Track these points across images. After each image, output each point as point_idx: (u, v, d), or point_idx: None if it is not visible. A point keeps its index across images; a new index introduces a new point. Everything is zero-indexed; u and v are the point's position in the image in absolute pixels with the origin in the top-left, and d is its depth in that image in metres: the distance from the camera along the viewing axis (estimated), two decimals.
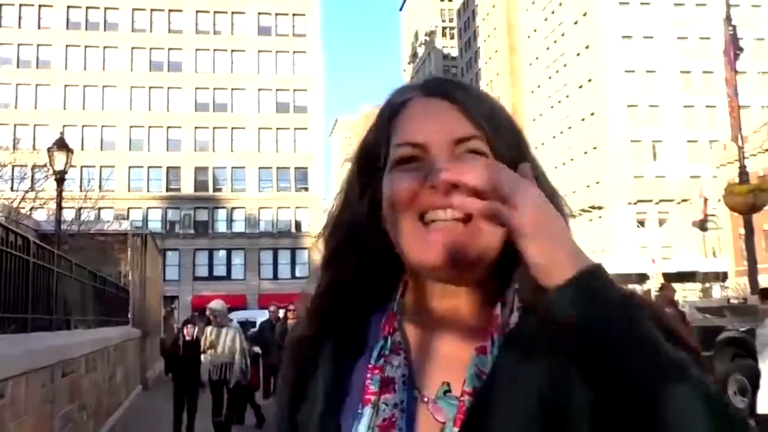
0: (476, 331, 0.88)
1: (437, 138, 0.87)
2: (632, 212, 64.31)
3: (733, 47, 19.98)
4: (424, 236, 0.85)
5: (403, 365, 0.91)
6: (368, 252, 0.96)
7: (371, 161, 0.95)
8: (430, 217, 0.85)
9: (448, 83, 0.94)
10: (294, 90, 62.99)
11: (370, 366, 0.92)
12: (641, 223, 64.53)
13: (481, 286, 0.90)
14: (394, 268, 0.96)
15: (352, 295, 0.98)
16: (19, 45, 60.91)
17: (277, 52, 63.64)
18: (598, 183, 66.56)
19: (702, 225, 45.91)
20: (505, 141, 0.91)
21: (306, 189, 62.01)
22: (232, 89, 62.53)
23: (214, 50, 63.27)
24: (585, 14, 69.71)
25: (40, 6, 61.75)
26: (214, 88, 62.45)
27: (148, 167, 61.18)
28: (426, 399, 0.87)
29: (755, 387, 9.81)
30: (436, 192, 0.83)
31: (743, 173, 19.04)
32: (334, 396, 0.93)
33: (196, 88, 62.44)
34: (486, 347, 0.87)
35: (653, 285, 41.40)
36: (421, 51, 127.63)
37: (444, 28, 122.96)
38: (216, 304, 10.89)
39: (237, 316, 17.08)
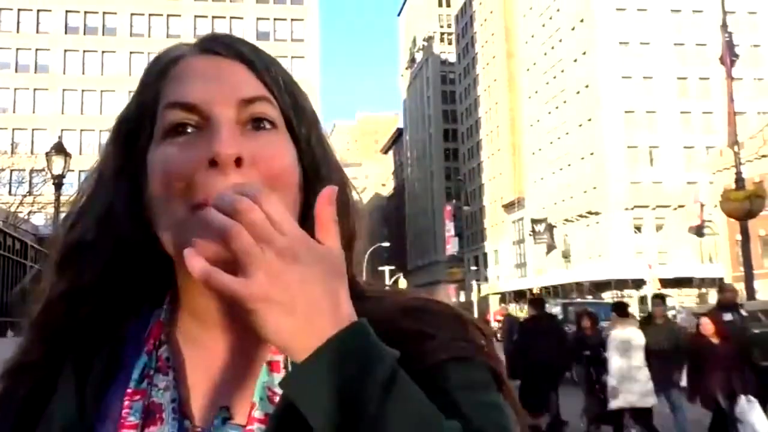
0: (265, 343, 0.70)
1: (217, 97, 0.70)
2: (629, 218, 64.40)
3: (730, 53, 20.07)
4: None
5: (171, 388, 0.72)
6: (123, 247, 0.75)
7: (133, 132, 0.76)
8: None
9: (227, 37, 0.77)
10: None
11: (129, 391, 0.72)
12: (638, 228, 64.61)
13: None
14: (158, 262, 0.74)
15: (97, 301, 0.76)
16: (17, 49, 61.01)
17: (275, 57, 63.67)
18: (595, 188, 66.66)
19: (698, 231, 46.06)
20: (302, 112, 0.77)
21: None
22: None
23: None
24: (582, 20, 69.92)
25: (38, 10, 61.86)
26: None
27: None
28: (199, 430, 0.70)
29: None
30: (219, 171, 0.66)
31: (740, 179, 19.09)
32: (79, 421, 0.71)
33: None
34: (279, 362, 0.71)
35: (649, 291, 41.50)
36: (419, 56, 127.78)
37: (442, 34, 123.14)
38: None
39: None
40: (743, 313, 9.36)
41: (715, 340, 8.42)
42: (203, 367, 0.73)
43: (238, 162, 0.66)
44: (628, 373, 8.58)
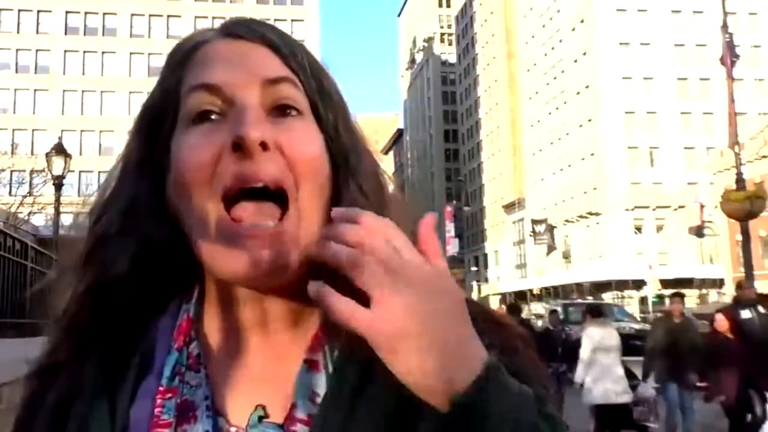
0: (299, 339, 0.70)
1: (241, 79, 0.68)
2: (629, 219, 64.36)
3: (730, 54, 20.03)
4: (234, 237, 0.65)
5: (204, 385, 0.69)
6: (148, 241, 0.72)
7: (156, 120, 0.73)
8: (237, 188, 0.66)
9: (251, 21, 0.75)
10: None
11: (161, 388, 0.69)
12: (638, 229, 64.57)
13: (297, 281, 0.67)
14: (184, 255, 0.72)
15: (124, 296, 0.72)
16: (17, 50, 61.02)
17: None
18: (595, 189, 66.63)
19: (698, 231, 46.02)
20: (329, 98, 0.73)
21: None
22: None
23: None
24: (582, 21, 69.90)
25: (38, 11, 61.87)
26: None
27: None
28: (234, 428, 0.68)
29: None
30: (244, 155, 0.64)
31: (740, 180, 19.05)
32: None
33: None
34: (318, 362, 0.68)
35: (650, 291, 41.50)
36: (419, 57, 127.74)
37: (442, 34, 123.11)
38: None
39: None
40: (761, 310, 9.27)
41: (730, 336, 8.38)
42: (235, 364, 0.71)
43: (264, 146, 0.64)
44: (607, 369, 8.64)
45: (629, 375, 9.28)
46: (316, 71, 0.73)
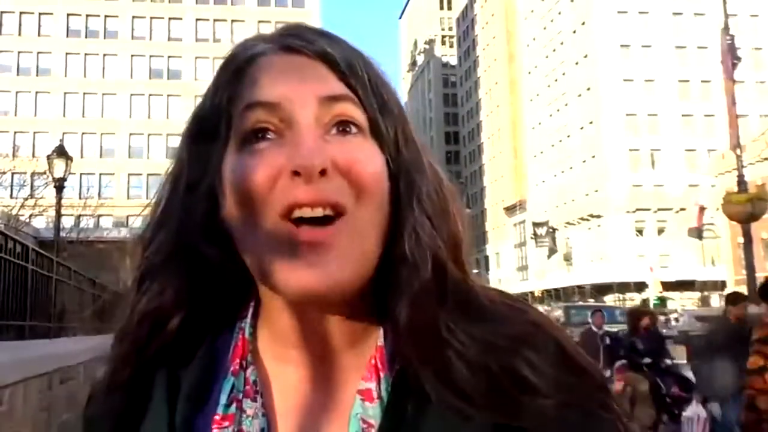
0: (356, 365, 0.68)
1: (299, 97, 0.65)
2: (630, 221, 64.33)
3: (731, 56, 20.02)
4: (293, 244, 0.63)
5: (260, 416, 0.67)
6: (202, 262, 0.71)
7: (209, 134, 0.69)
8: (296, 214, 0.63)
9: (308, 31, 0.71)
10: None
11: (217, 417, 0.67)
12: (639, 231, 64.54)
13: (355, 304, 0.67)
14: (238, 278, 0.71)
15: (182, 318, 0.71)
16: (19, 52, 61.09)
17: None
18: (596, 191, 66.61)
19: (698, 233, 45.96)
20: (390, 114, 0.70)
21: None
22: None
23: (214, 58, 63.30)
24: (583, 23, 69.92)
25: (40, 14, 61.94)
26: None
27: (148, 175, 61.16)
28: None
29: None
30: (304, 182, 0.63)
31: (742, 182, 19.03)
32: None
33: (196, 96, 61.11)
34: (371, 390, 0.66)
35: (651, 294, 41.47)
36: (420, 59, 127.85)
37: (443, 37, 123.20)
38: None
39: None
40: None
41: None
42: (290, 393, 0.69)
43: (323, 172, 0.63)
44: None
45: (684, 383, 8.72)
46: (377, 85, 0.69)
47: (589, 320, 11.16)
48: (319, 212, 0.63)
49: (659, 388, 8.87)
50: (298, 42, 0.69)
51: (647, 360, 9.06)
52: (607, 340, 9.97)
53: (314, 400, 0.68)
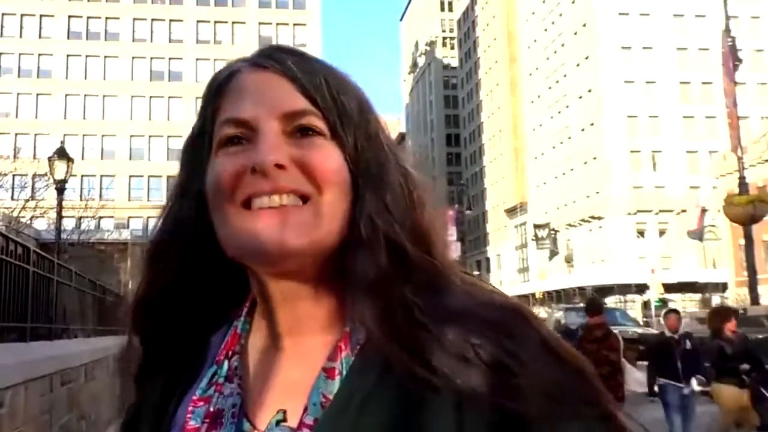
0: (326, 347, 0.75)
1: (263, 113, 0.75)
2: (632, 222, 64.30)
3: (732, 58, 20.04)
4: (248, 220, 0.72)
5: (235, 394, 0.76)
6: (198, 257, 0.81)
7: (198, 143, 0.82)
8: (256, 204, 0.73)
9: (280, 50, 0.80)
10: None
11: (194, 398, 0.78)
12: (641, 233, 64.51)
13: (326, 288, 0.76)
14: (240, 281, 0.82)
15: (176, 304, 0.82)
16: (20, 54, 61.12)
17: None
18: (597, 193, 66.58)
19: (698, 235, 45.90)
20: (348, 119, 0.78)
21: None
22: None
23: (215, 60, 63.36)
24: (585, 25, 69.91)
25: (41, 16, 61.98)
26: None
27: (149, 176, 61.22)
28: None
29: None
30: (262, 177, 0.72)
31: (743, 184, 19.04)
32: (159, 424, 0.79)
33: (197, 98, 62.13)
34: (334, 369, 0.72)
35: (652, 295, 41.41)
36: (421, 61, 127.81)
37: (444, 38, 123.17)
38: None
39: None
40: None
41: None
42: (267, 372, 0.77)
43: (280, 167, 0.72)
44: None
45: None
46: (337, 94, 0.77)
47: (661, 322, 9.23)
48: (276, 201, 0.72)
49: (765, 398, 7.91)
50: (268, 61, 0.78)
51: (745, 366, 7.90)
52: (687, 344, 8.25)
53: (285, 379, 0.76)
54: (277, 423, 0.72)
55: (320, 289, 0.76)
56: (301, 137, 0.75)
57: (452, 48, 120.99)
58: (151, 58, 63.00)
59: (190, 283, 0.81)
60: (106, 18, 63.22)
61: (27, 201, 25.85)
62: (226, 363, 0.79)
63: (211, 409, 0.76)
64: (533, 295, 62.44)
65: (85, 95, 61.42)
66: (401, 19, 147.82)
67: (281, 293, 0.76)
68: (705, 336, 9.11)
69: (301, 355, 0.76)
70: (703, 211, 46.63)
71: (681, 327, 8.74)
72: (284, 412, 0.73)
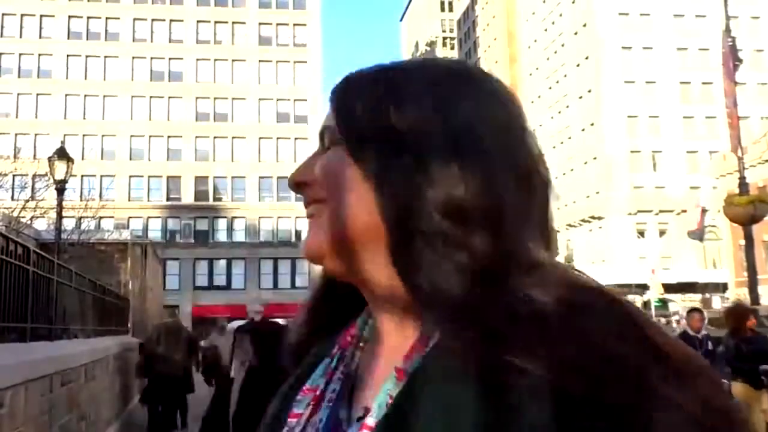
0: (402, 348, 0.73)
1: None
2: (632, 222, 64.30)
3: (733, 58, 20.02)
4: None
5: (337, 380, 0.80)
6: None
7: None
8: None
9: (339, 84, 0.82)
10: (294, 100, 63.12)
11: (305, 387, 0.81)
12: (641, 233, 64.51)
13: (396, 285, 0.71)
14: None
15: (344, 298, 0.86)
16: (20, 54, 61.10)
17: (277, 62, 63.82)
18: (597, 193, 66.60)
19: (698, 235, 45.86)
20: (362, 136, 0.76)
21: None
22: (233, 99, 62.68)
23: (215, 60, 63.43)
24: (585, 25, 69.93)
25: (41, 16, 61.97)
26: (215, 98, 62.58)
27: (149, 176, 61.24)
28: (344, 423, 0.76)
29: None
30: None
31: (743, 184, 19.02)
32: (278, 415, 0.83)
33: (197, 98, 62.56)
34: (404, 371, 0.71)
35: (653, 296, 41.40)
36: None
37: (444, 38, 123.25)
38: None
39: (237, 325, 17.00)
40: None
41: None
42: (366, 368, 0.79)
43: (302, 185, 0.80)
44: None
45: None
46: (362, 116, 0.76)
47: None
48: (307, 212, 0.80)
49: None
50: (334, 86, 0.83)
51: (765, 366, 7.74)
52: (709, 344, 8.18)
53: (375, 375, 0.76)
54: (358, 419, 0.73)
55: (390, 287, 0.72)
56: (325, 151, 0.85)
57: (452, 48, 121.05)
58: (151, 58, 62.97)
59: (330, 291, 0.88)
60: (107, 18, 63.20)
61: (27, 201, 25.81)
62: (337, 355, 0.82)
63: (317, 393, 0.79)
64: None
65: (85, 95, 61.39)
66: (401, 20, 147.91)
67: (362, 291, 0.79)
68: (721, 336, 8.93)
69: (391, 350, 0.76)
70: (703, 211, 46.57)
71: (702, 327, 8.59)
72: (367, 409, 0.73)
